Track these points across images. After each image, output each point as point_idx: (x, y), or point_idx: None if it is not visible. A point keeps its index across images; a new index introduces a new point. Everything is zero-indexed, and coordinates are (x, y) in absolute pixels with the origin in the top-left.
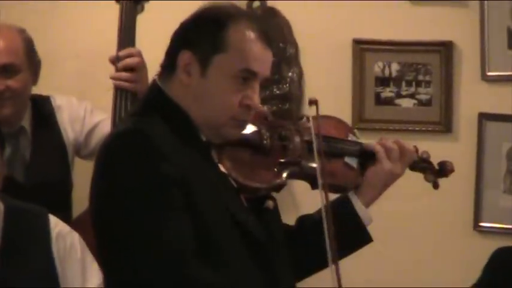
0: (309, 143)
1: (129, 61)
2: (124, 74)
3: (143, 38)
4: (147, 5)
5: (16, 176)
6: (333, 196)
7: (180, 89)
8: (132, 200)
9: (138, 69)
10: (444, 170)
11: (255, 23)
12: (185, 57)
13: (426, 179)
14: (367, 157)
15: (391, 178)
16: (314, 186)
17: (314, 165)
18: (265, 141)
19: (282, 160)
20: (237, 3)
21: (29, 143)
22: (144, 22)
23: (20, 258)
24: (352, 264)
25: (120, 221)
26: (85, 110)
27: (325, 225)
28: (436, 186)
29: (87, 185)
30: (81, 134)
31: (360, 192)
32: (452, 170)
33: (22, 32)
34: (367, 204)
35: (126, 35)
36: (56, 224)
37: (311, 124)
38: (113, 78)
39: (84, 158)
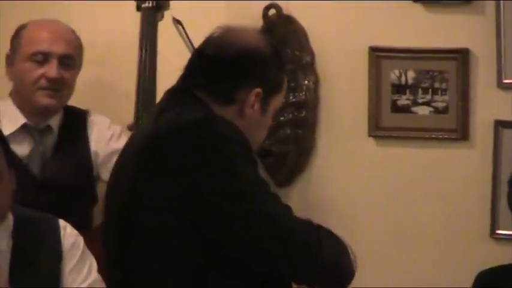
0: None
1: None
2: None
3: (164, 46)
4: (166, 13)
5: (32, 168)
6: None
7: (230, 117)
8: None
9: None
10: None
11: None
12: (255, 94)
13: None
14: None
15: None
16: None
17: None
18: None
19: None
20: (254, 11)
21: (53, 142)
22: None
23: (30, 269)
24: (364, 269)
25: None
26: (113, 133)
27: None
28: None
29: None
30: (102, 152)
31: None
32: None
33: (74, 31)
34: None
35: (148, 42)
36: (69, 232)
37: None
38: None
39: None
